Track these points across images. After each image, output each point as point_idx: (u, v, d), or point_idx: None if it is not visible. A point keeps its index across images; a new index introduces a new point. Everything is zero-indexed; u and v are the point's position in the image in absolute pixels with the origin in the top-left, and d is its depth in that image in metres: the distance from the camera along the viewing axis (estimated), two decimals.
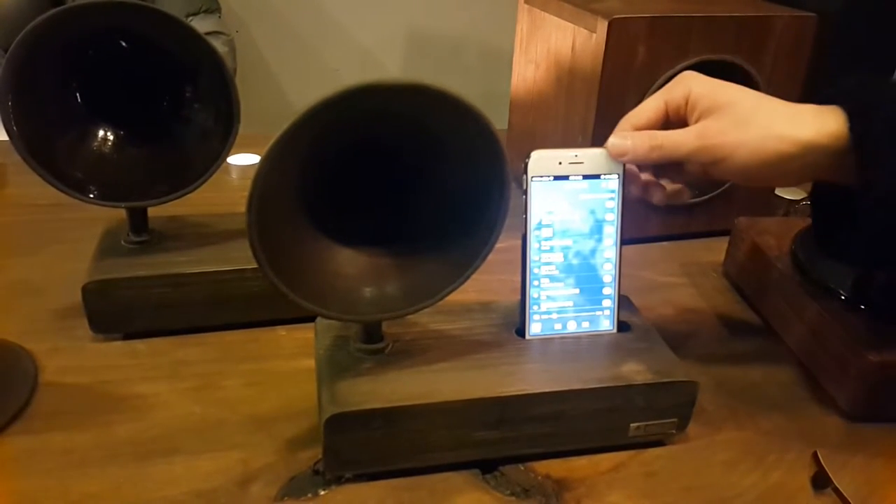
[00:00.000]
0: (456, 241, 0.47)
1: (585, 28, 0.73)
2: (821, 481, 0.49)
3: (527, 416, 0.48)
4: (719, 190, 0.79)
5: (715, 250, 0.76)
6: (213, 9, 1.64)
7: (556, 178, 0.50)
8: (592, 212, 0.51)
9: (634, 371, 0.49)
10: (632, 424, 0.50)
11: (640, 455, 0.51)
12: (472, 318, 0.54)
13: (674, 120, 0.51)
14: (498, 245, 0.46)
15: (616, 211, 0.52)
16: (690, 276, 0.75)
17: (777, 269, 0.65)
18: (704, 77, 0.50)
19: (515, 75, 0.92)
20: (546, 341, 0.52)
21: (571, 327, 0.53)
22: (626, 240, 0.78)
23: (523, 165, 0.50)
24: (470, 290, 0.48)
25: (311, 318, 0.51)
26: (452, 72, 2.15)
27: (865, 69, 0.53)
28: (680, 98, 0.50)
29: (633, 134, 0.50)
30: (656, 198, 0.53)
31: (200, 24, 1.45)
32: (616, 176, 0.51)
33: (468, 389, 0.47)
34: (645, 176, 0.53)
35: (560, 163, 0.50)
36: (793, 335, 0.63)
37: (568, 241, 0.52)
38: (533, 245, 0.51)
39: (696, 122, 0.49)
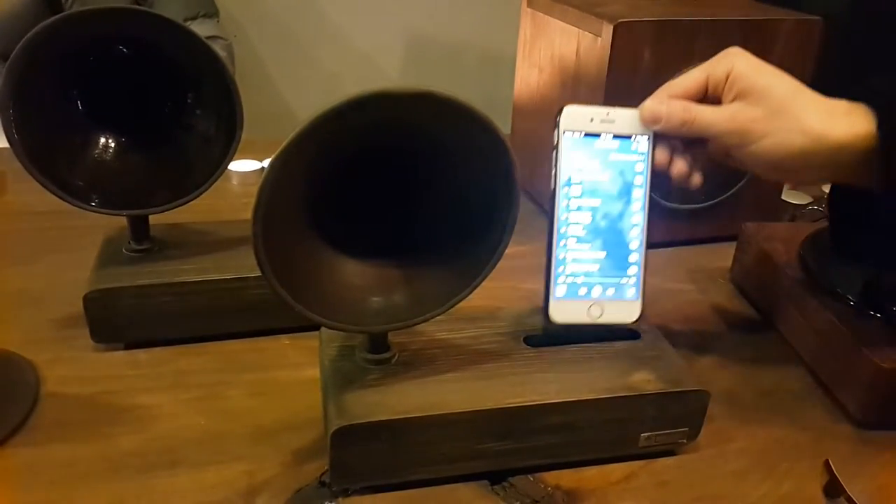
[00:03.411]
0: (464, 249, 0.46)
1: (590, 32, 0.72)
2: (833, 490, 0.49)
3: (536, 427, 0.47)
4: (725, 196, 0.79)
5: (722, 256, 0.76)
6: (211, 13, 1.64)
7: (587, 134, 0.50)
8: (622, 173, 0.51)
9: (644, 380, 0.49)
10: (642, 434, 0.49)
11: (650, 465, 0.51)
12: (479, 326, 0.53)
13: (711, 95, 0.51)
14: (506, 251, 0.46)
15: (645, 174, 0.51)
16: (697, 283, 0.74)
17: (785, 275, 0.64)
18: (749, 56, 0.50)
19: (518, 80, 0.92)
20: (555, 351, 0.51)
21: (596, 293, 0.51)
22: None
23: (554, 119, 0.49)
24: (476, 298, 0.47)
25: (315, 327, 0.50)
26: (453, 76, 2.15)
27: (872, 72, 0.53)
28: (722, 74, 0.50)
29: (670, 102, 0.50)
30: (677, 168, 0.52)
31: (199, 29, 1.44)
32: (647, 137, 0.51)
33: (476, 400, 0.46)
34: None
35: (592, 119, 0.50)
36: (802, 342, 0.62)
37: (596, 202, 0.50)
38: (561, 203, 0.50)
39: (732, 101, 0.50)
